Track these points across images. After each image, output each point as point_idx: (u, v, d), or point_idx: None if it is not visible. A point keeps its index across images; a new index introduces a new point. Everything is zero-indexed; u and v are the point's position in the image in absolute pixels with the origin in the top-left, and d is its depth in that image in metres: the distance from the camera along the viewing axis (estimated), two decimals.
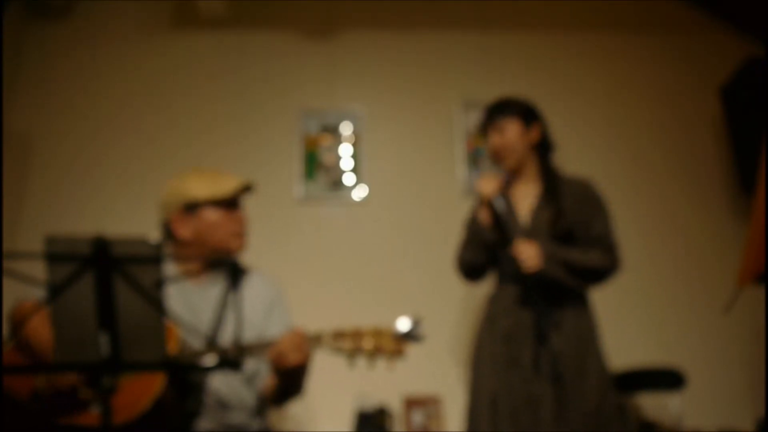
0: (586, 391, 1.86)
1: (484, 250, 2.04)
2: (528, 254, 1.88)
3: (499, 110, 2.11)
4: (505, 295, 2.00)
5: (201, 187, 1.85)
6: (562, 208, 2.00)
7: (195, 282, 1.84)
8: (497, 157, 2.10)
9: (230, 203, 1.86)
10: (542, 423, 1.80)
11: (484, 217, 2.00)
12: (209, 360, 1.29)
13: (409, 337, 1.56)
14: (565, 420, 1.80)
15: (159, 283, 1.15)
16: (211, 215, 1.83)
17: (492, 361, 1.93)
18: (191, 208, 1.83)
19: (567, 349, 1.89)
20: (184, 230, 1.82)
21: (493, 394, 1.88)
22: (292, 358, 1.54)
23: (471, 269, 2.12)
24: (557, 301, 1.94)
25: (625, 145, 3.27)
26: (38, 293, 1.54)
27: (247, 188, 1.89)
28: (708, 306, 2.88)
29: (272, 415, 1.95)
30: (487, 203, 1.99)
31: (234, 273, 1.80)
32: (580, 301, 2.00)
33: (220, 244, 1.84)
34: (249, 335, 1.73)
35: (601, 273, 2.00)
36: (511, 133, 2.07)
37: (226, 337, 1.68)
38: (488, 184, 1.99)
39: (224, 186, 1.85)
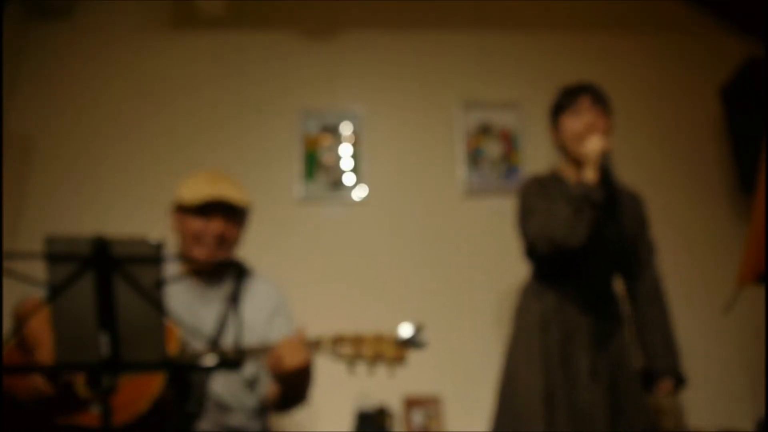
0: (638, 400, 1.87)
1: (594, 216, 1.85)
2: None
3: (602, 96, 2.06)
4: (560, 296, 1.94)
5: (184, 190, 1.82)
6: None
7: (199, 282, 1.83)
8: (587, 134, 1.96)
9: (205, 211, 1.78)
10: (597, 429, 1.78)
11: (592, 177, 1.87)
12: (209, 360, 1.28)
13: (411, 343, 1.54)
14: (617, 428, 1.79)
15: (159, 284, 1.15)
16: (188, 219, 1.80)
17: (545, 360, 1.86)
18: (178, 208, 1.84)
19: (622, 357, 1.91)
20: (173, 228, 1.85)
21: (548, 394, 1.82)
22: (289, 362, 1.52)
23: (581, 242, 1.84)
24: (613, 310, 1.99)
25: (624, 145, 3.25)
26: (40, 292, 1.54)
27: (219, 201, 1.77)
28: (708, 306, 2.88)
29: (272, 416, 1.95)
30: (597, 162, 1.88)
31: (238, 276, 1.79)
32: (620, 311, 2.04)
33: (183, 249, 1.82)
34: (251, 341, 1.70)
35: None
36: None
37: (227, 341, 1.68)
38: (599, 143, 1.89)
39: (197, 192, 1.78)
